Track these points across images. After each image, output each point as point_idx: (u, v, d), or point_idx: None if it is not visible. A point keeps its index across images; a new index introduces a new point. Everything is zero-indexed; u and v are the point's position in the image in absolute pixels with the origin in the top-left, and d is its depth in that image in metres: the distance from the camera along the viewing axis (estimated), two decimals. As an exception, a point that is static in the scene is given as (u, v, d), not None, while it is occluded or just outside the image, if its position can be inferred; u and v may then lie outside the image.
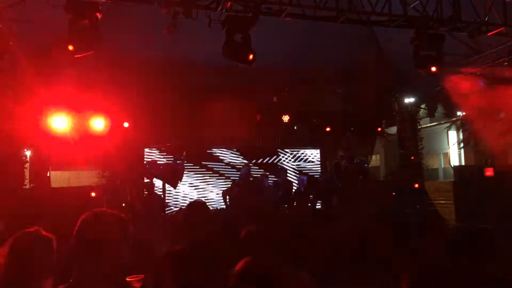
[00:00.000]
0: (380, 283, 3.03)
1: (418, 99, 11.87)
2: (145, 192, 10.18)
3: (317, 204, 11.17)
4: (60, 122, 9.35)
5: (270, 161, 12.78)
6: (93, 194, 9.67)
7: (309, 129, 12.48)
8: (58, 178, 14.24)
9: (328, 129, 12.01)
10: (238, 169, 11.61)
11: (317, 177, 11.70)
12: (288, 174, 11.79)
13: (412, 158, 11.75)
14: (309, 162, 13.19)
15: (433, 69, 6.98)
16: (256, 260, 2.00)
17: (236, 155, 12.52)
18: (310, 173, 12.81)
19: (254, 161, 12.44)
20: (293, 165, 13.02)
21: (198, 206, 4.00)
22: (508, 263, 2.58)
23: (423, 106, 12.40)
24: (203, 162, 12.16)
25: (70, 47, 5.51)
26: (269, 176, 11.30)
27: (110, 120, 9.48)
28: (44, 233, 2.59)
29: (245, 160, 12.32)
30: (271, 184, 10.84)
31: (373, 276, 3.20)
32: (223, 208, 10.13)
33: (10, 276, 2.44)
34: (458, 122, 14.46)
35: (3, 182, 8.60)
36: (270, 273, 2.00)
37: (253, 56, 6.15)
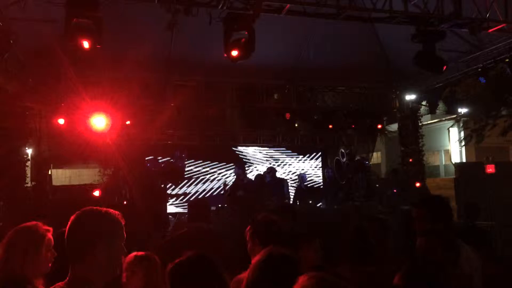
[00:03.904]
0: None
1: (419, 96, 11.84)
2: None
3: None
4: (61, 121, 9.36)
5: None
6: (96, 193, 9.68)
7: (310, 126, 12.49)
8: (59, 176, 14.29)
9: (330, 126, 12.00)
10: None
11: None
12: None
13: (411, 160, 11.72)
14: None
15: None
16: None
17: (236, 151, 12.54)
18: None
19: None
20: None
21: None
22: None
23: (424, 103, 12.37)
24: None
25: (86, 44, 5.48)
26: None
27: (111, 118, 9.47)
28: (43, 227, 2.60)
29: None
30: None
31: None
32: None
33: (9, 271, 2.45)
34: (461, 120, 14.47)
35: (5, 180, 8.60)
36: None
37: (237, 53, 6.10)
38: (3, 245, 2.52)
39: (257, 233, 3.02)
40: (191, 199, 11.53)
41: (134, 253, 3.04)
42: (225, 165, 12.36)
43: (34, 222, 2.61)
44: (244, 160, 12.61)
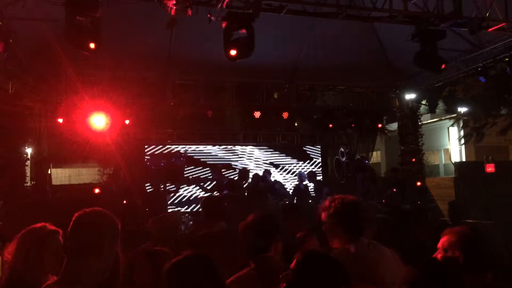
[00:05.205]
0: None
1: (419, 95, 11.85)
2: (148, 187, 10.21)
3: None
4: (61, 120, 9.36)
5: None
6: (96, 191, 9.69)
7: (310, 126, 12.48)
8: (59, 175, 14.28)
9: (330, 125, 12.00)
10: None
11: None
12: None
13: (411, 159, 11.72)
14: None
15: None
16: None
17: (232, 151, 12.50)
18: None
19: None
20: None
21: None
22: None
23: (424, 102, 12.38)
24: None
25: (92, 45, 5.47)
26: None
27: (111, 117, 9.47)
28: (49, 228, 2.59)
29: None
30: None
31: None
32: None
33: (17, 272, 2.45)
34: (461, 119, 14.48)
35: (5, 179, 8.60)
36: None
37: (235, 52, 6.09)
38: (12, 247, 2.52)
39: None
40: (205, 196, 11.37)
41: (144, 248, 3.05)
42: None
43: (42, 224, 2.59)
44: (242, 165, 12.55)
